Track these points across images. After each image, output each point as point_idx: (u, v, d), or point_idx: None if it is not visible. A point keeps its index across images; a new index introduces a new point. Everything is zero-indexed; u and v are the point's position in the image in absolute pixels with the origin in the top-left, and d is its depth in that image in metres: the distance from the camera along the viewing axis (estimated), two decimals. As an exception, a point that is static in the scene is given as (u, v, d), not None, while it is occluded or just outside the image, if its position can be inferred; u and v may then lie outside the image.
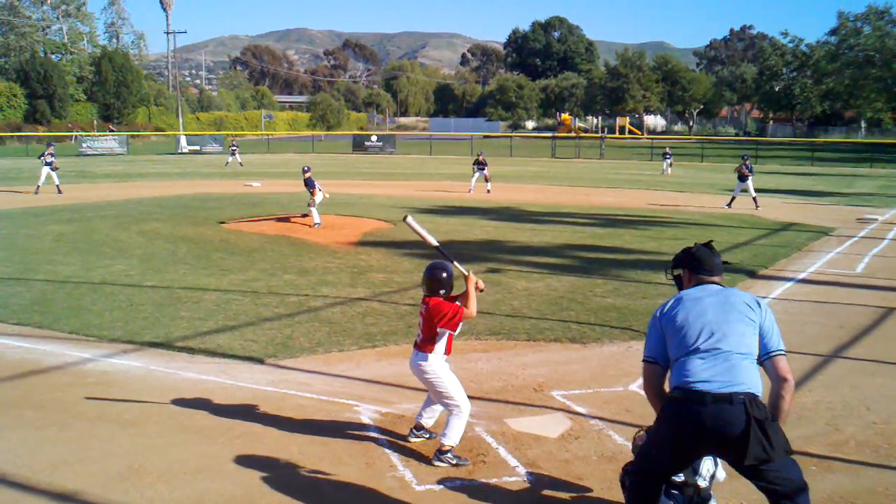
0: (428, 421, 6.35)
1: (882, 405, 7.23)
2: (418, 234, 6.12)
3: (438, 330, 5.88)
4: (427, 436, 6.32)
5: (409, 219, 6.11)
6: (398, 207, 23.26)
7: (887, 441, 6.40)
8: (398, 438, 6.35)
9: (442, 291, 5.97)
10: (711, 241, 4.76)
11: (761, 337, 4.22)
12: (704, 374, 4.04)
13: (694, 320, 4.23)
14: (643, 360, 4.47)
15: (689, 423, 4.02)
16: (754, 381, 4.06)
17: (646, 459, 4.35)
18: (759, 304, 4.31)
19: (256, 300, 11.22)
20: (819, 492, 5.35)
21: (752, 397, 3.98)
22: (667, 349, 4.33)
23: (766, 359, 4.22)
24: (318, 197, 19.05)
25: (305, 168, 19.79)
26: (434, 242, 6.16)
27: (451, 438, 5.89)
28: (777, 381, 4.19)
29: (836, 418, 6.89)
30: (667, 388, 4.38)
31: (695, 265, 4.54)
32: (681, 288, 4.62)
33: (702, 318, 4.23)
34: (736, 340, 4.14)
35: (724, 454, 4.11)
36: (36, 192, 27.00)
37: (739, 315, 4.23)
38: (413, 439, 6.30)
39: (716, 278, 4.49)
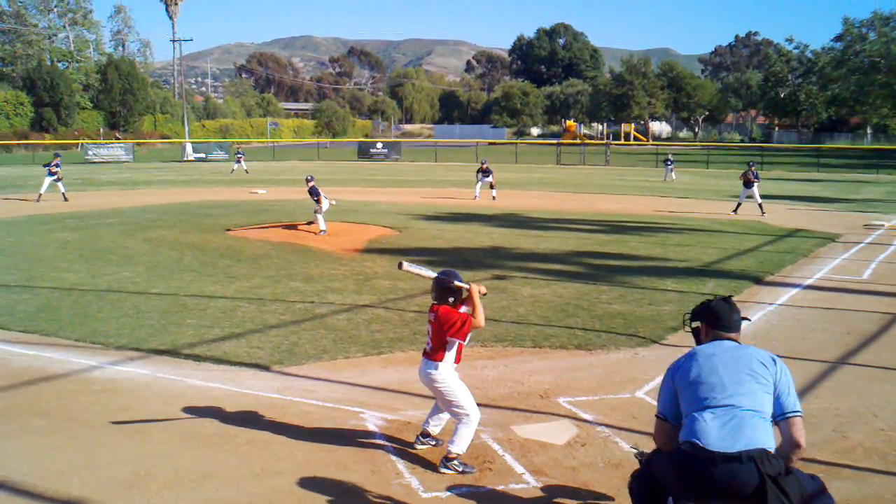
0: (434, 428, 6.34)
1: (889, 412, 7.21)
2: (418, 275, 6.14)
3: (448, 339, 5.87)
4: (433, 443, 6.31)
5: (406, 265, 6.07)
6: (403, 214, 23.30)
7: (895, 448, 6.37)
8: (404, 445, 6.34)
9: (451, 299, 5.95)
10: (731, 295, 4.76)
11: (777, 396, 4.17)
12: (715, 432, 4.00)
13: (707, 377, 4.21)
14: (656, 416, 4.48)
15: (698, 481, 4.00)
16: (765, 438, 4.01)
17: (653, 476, 4.35)
18: (774, 361, 4.27)
19: (262, 307, 11.24)
20: (827, 499, 5.33)
21: (764, 454, 3.93)
22: (679, 405, 4.31)
23: (780, 419, 4.16)
24: (325, 205, 19.07)
25: (308, 178, 19.83)
26: (433, 275, 6.11)
27: (459, 446, 5.88)
28: (789, 443, 4.14)
29: (843, 425, 6.87)
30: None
31: (712, 320, 4.52)
32: (698, 340, 4.61)
33: (714, 375, 4.20)
34: (747, 398, 4.10)
35: None
36: (37, 200, 27.13)
37: (753, 373, 4.19)
38: (419, 446, 6.29)
39: (733, 335, 4.47)
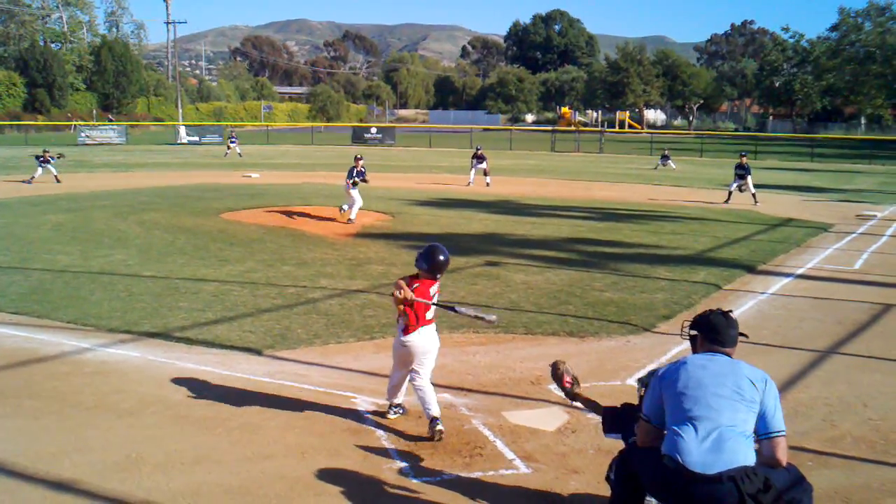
0: (400, 397, 6.73)
1: (879, 401, 7.26)
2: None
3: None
4: (401, 411, 6.71)
5: (458, 309, 6.33)
6: (397, 200, 23.28)
7: (883, 437, 6.42)
8: (396, 431, 6.37)
9: (439, 276, 6.47)
10: (731, 310, 4.72)
11: (763, 415, 4.15)
12: (696, 451, 4.01)
13: (693, 389, 4.20)
14: (639, 416, 4.50)
15: (679, 497, 4.04)
16: (746, 457, 4.02)
17: (633, 471, 4.40)
18: (765, 381, 4.23)
19: (255, 291, 11.22)
20: (815, 487, 5.35)
21: (743, 472, 3.95)
22: (663, 410, 4.31)
23: (764, 438, 4.15)
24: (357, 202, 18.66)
25: (357, 156, 19.66)
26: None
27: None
28: (769, 461, 4.14)
29: (832, 414, 6.91)
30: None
31: (708, 332, 4.49)
32: (694, 349, 4.60)
33: (700, 388, 4.18)
34: (730, 415, 4.09)
35: None
36: (30, 182, 26.99)
37: (739, 390, 4.16)
38: (391, 416, 6.65)
39: (727, 349, 4.43)
